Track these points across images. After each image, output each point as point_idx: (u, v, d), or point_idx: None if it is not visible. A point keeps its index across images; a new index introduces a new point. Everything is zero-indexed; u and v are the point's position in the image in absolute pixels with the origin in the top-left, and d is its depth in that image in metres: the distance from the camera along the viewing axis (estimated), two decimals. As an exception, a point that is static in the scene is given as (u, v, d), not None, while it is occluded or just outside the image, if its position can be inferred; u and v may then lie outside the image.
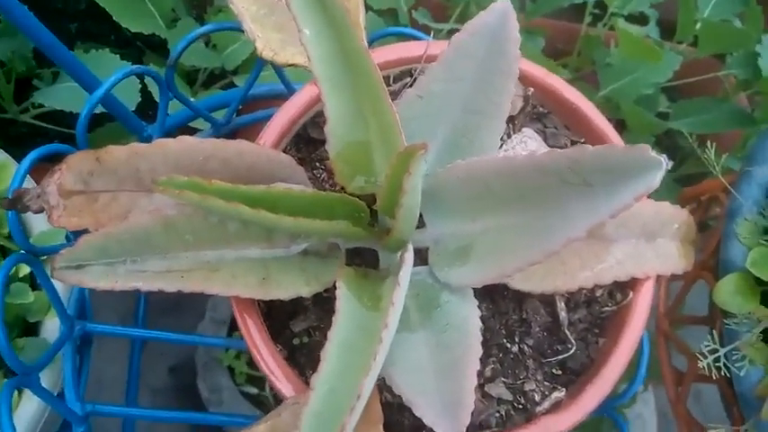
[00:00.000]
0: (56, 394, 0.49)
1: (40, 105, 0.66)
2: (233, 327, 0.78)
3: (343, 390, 0.25)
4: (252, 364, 0.78)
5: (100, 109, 0.54)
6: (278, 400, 0.77)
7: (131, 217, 0.31)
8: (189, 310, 0.83)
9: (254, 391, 0.78)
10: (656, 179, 0.25)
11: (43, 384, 0.46)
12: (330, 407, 0.25)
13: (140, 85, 0.61)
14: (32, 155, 0.38)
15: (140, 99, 0.61)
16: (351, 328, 0.28)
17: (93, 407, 0.44)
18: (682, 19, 0.80)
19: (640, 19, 0.82)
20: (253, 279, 0.33)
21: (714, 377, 0.41)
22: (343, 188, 0.35)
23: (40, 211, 0.33)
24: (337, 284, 0.30)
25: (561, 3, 0.75)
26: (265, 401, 0.78)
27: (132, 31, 0.67)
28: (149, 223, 0.31)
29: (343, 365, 0.26)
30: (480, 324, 0.31)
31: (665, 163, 0.25)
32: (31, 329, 0.54)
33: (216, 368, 0.76)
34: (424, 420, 0.28)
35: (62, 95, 0.61)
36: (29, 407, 0.48)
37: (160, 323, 0.72)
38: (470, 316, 0.31)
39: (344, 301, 0.29)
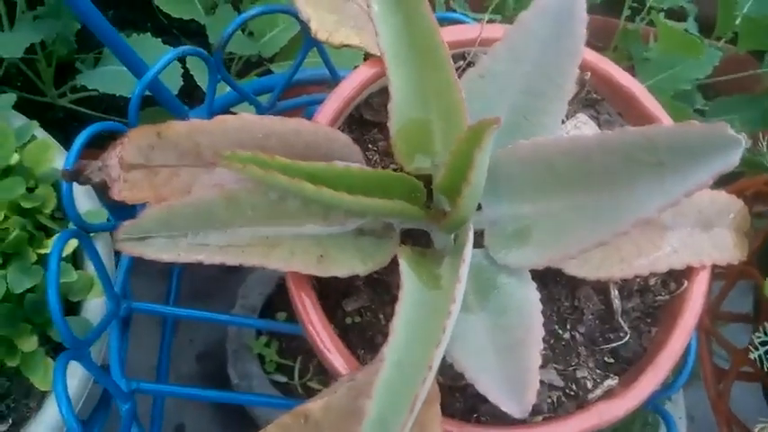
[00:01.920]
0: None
1: (78, 89, 0.66)
2: (264, 314, 0.78)
3: (414, 361, 0.25)
4: (282, 352, 0.79)
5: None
6: (306, 388, 0.77)
7: (193, 191, 0.32)
8: (220, 297, 0.84)
9: (283, 379, 0.78)
10: (735, 157, 0.25)
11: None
12: (401, 377, 0.25)
13: (182, 70, 0.61)
14: (89, 129, 0.39)
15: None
16: (415, 303, 0.28)
17: (138, 384, 0.44)
18: (721, 14, 0.79)
19: (679, 14, 0.81)
20: (311, 256, 0.33)
21: (766, 369, 0.41)
22: (399, 168, 0.35)
23: (102, 183, 0.33)
24: (399, 261, 0.30)
25: (601, -5, 0.74)
26: (294, 390, 0.78)
27: (173, 16, 0.67)
28: (212, 198, 0.31)
29: (411, 338, 0.26)
30: (540, 306, 0.31)
31: (744, 141, 0.25)
32: (72, 309, 0.54)
33: (246, 355, 0.77)
34: (488, 397, 0.28)
35: (106, 78, 0.61)
36: (73, 381, 0.49)
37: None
38: (530, 297, 0.31)
39: (407, 277, 0.29)
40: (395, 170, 0.36)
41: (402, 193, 0.33)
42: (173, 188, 0.33)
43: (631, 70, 0.79)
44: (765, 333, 0.42)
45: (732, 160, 0.25)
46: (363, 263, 0.34)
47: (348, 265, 0.33)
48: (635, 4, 0.80)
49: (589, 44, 0.88)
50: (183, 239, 0.31)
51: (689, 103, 0.80)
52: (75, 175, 0.33)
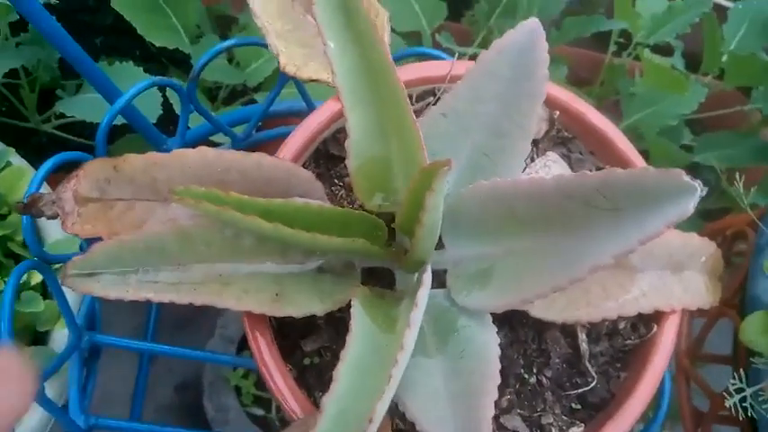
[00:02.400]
0: (61, 405, 0.48)
1: (62, 116, 0.66)
2: (242, 346, 0.77)
3: (355, 413, 0.24)
4: (259, 384, 0.77)
5: (121, 121, 0.54)
6: (284, 422, 0.76)
7: (147, 226, 0.31)
8: (201, 327, 0.83)
9: (260, 412, 0.77)
10: (689, 205, 0.24)
11: (49, 394, 0.45)
12: (340, 430, 0.24)
13: (162, 99, 0.61)
14: (51, 161, 0.38)
15: (162, 113, 0.61)
16: (365, 348, 0.27)
17: (96, 420, 0.43)
18: (708, 51, 0.79)
19: (666, 50, 0.81)
20: (266, 295, 0.32)
21: (741, 418, 0.40)
22: (361, 206, 0.34)
23: (55, 216, 0.32)
24: (352, 303, 0.29)
25: (586, 30, 0.75)
26: (272, 424, 0.76)
27: (156, 45, 0.67)
28: (164, 233, 0.31)
29: (355, 387, 0.25)
30: (499, 351, 0.30)
31: (699, 189, 0.24)
32: (40, 339, 0.53)
33: (223, 387, 0.75)
34: (437, 450, 0.27)
35: (85, 106, 0.61)
36: (33, 417, 0.48)
37: (172, 339, 0.71)
38: (489, 342, 0.30)
39: (359, 320, 0.28)
40: (358, 207, 0.35)
41: (362, 232, 0.33)
42: (126, 223, 0.32)
43: (617, 105, 0.79)
44: (740, 380, 0.41)
45: (686, 208, 0.24)
46: (322, 302, 0.33)
47: (305, 304, 0.32)
48: (621, 40, 0.80)
49: (576, 78, 0.89)
50: (132, 276, 0.31)
51: (676, 139, 0.80)
52: (29, 208, 0.33)
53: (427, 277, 0.30)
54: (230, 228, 0.32)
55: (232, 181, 0.33)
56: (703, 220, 0.76)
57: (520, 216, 0.30)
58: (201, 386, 0.76)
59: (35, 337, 0.53)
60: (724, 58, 0.78)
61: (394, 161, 0.32)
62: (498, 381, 0.28)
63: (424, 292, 0.29)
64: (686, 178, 0.24)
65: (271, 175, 0.34)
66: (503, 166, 0.33)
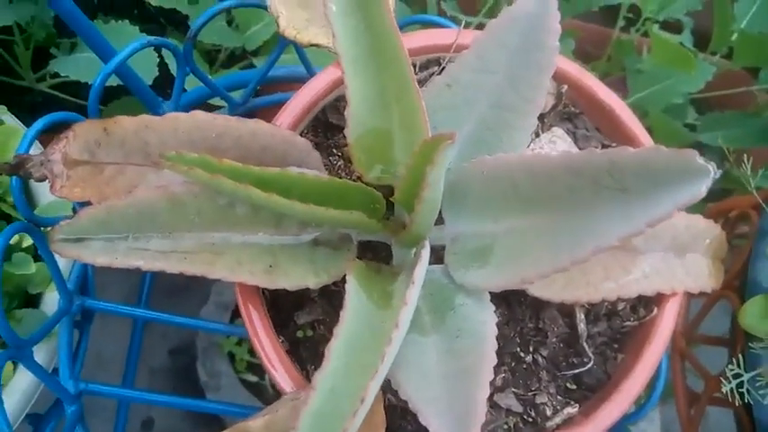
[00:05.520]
0: (52, 370, 0.47)
1: (57, 75, 0.64)
2: (237, 313, 0.77)
3: (347, 391, 0.24)
4: (253, 352, 0.77)
5: (117, 82, 0.52)
6: (277, 390, 0.76)
7: (137, 192, 0.30)
8: (196, 293, 0.82)
9: (253, 379, 0.77)
10: (701, 188, 0.23)
11: (40, 359, 0.45)
12: (331, 408, 0.23)
13: (158, 61, 0.60)
14: (42, 121, 0.37)
15: (158, 75, 0.59)
16: (359, 325, 0.27)
17: (86, 385, 0.43)
18: (717, 29, 0.77)
19: (675, 26, 0.79)
20: (259, 266, 0.31)
21: (737, 403, 0.39)
22: (359, 177, 0.33)
23: (43, 179, 0.31)
24: (347, 277, 0.29)
25: (595, 4, 0.73)
26: (264, 391, 0.76)
27: (154, 5, 0.65)
28: (155, 199, 0.30)
29: (348, 365, 0.25)
30: (496, 331, 0.29)
31: (712, 171, 0.23)
32: (32, 301, 0.53)
33: (216, 353, 0.75)
34: (429, 430, 0.26)
35: (79, 65, 0.59)
36: (23, 380, 0.47)
37: (165, 304, 0.71)
38: (486, 321, 0.30)
39: (353, 295, 0.28)
40: (356, 179, 0.34)
41: (360, 204, 0.32)
42: (117, 187, 0.31)
43: (623, 82, 0.77)
44: (738, 365, 0.40)
45: (698, 191, 0.23)
46: (316, 275, 0.32)
47: (299, 277, 0.32)
48: (630, 15, 0.78)
49: (583, 52, 0.87)
50: (122, 243, 0.30)
51: (681, 117, 0.79)
52: (16, 169, 0.32)
53: (425, 253, 0.29)
54: (223, 196, 0.31)
55: (226, 147, 0.32)
56: (705, 200, 0.75)
57: (523, 193, 0.29)
58: (195, 351, 0.76)
59: (27, 299, 0.52)
60: (733, 37, 0.76)
61: (395, 132, 0.31)
62: (495, 361, 0.28)
63: (422, 269, 0.28)
64: (700, 160, 0.23)
65: (266, 143, 0.33)
66: (508, 140, 0.32)
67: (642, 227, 0.24)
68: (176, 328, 0.85)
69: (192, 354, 0.77)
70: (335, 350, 0.25)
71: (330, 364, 0.25)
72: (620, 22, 0.78)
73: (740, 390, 0.40)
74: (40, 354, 0.47)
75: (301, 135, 0.38)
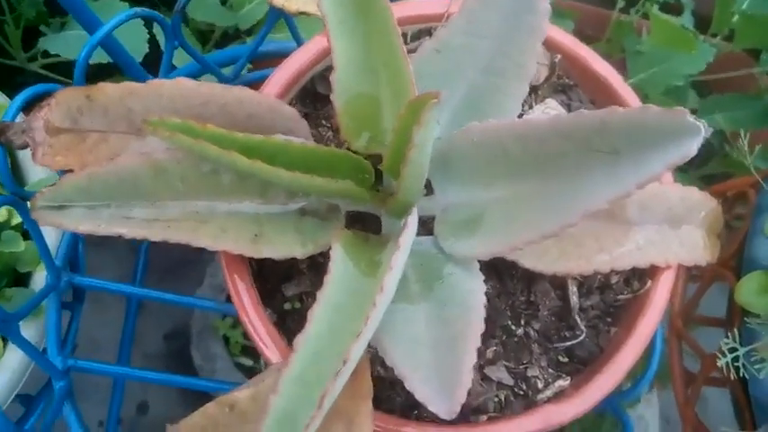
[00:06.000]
0: (43, 348, 0.47)
1: (48, 54, 0.64)
2: (231, 295, 0.76)
3: (330, 354, 0.23)
4: (248, 335, 0.77)
5: (108, 60, 0.52)
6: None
7: (119, 159, 0.29)
8: (190, 275, 0.82)
9: (248, 362, 0.76)
10: (692, 147, 0.22)
11: (29, 337, 0.44)
12: (313, 371, 0.23)
13: (149, 37, 0.59)
14: (27, 91, 0.36)
15: (149, 52, 0.58)
16: (343, 291, 0.26)
17: (75, 362, 0.42)
18: (718, 10, 0.76)
19: (675, 7, 0.79)
20: (244, 235, 0.30)
21: (732, 377, 0.39)
22: (348, 147, 0.33)
23: (25, 146, 0.31)
24: (332, 245, 0.28)
25: (594, -17, 0.72)
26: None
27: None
28: (138, 166, 0.29)
29: (331, 329, 0.24)
30: (485, 300, 0.29)
31: (703, 129, 0.22)
32: (22, 280, 0.52)
33: (211, 336, 0.75)
34: (415, 395, 0.26)
35: (69, 43, 0.59)
36: (13, 358, 0.47)
37: (160, 287, 0.70)
38: (474, 290, 0.29)
39: (338, 262, 0.27)
40: (345, 149, 0.34)
41: (347, 173, 0.31)
42: (100, 155, 0.31)
43: (623, 64, 0.77)
44: (734, 339, 0.40)
45: (689, 150, 0.22)
46: (303, 245, 0.31)
47: (285, 247, 0.31)
48: (630, -5, 0.77)
49: (581, 34, 0.86)
50: (105, 210, 0.29)
51: (681, 100, 0.78)
52: (-3, 136, 0.31)
53: (413, 220, 0.28)
54: (207, 163, 0.30)
55: (211, 115, 0.32)
56: (705, 184, 0.75)
57: (513, 159, 0.28)
58: (190, 335, 0.76)
59: (16, 277, 0.52)
60: (735, 19, 0.75)
61: (383, 98, 0.30)
62: (482, 329, 0.27)
63: (409, 235, 0.27)
64: (690, 118, 0.23)
65: (252, 111, 0.32)
66: (498, 107, 0.31)
67: (632, 188, 0.24)
68: (170, 313, 0.85)
69: (186, 338, 0.77)
70: (318, 314, 0.25)
71: (312, 327, 0.24)
72: (620, 3, 0.77)
73: (736, 365, 0.40)
74: (30, 332, 0.47)
75: (290, 105, 0.37)
